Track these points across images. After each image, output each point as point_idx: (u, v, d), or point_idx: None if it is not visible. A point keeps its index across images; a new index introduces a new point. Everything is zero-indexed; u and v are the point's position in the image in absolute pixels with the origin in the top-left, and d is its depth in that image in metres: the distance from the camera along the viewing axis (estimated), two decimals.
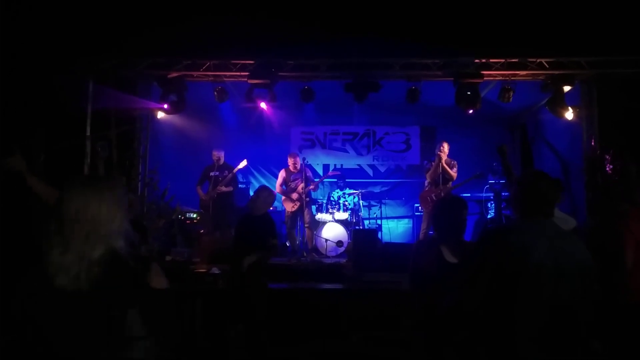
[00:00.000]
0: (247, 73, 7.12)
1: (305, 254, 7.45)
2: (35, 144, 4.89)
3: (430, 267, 2.72)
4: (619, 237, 3.16)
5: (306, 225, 7.67)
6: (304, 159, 7.75)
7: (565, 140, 7.77)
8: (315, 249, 7.70)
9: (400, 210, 9.66)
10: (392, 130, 9.92)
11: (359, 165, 10.03)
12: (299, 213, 7.68)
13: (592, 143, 7.04)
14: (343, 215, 8.07)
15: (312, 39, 7.12)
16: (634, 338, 3.06)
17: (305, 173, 7.57)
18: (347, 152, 10.03)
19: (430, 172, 7.09)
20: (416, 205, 8.83)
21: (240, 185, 8.50)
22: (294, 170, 7.69)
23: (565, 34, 6.80)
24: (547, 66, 7.03)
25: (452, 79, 7.06)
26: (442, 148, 6.99)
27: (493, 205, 8.13)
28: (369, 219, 8.64)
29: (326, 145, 10.02)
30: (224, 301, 4.79)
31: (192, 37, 7.11)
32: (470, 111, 7.35)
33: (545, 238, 2.05)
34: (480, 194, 8.15)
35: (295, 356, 5.05)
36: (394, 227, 9.41)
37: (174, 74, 7.24)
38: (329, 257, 7.53)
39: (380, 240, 7.60)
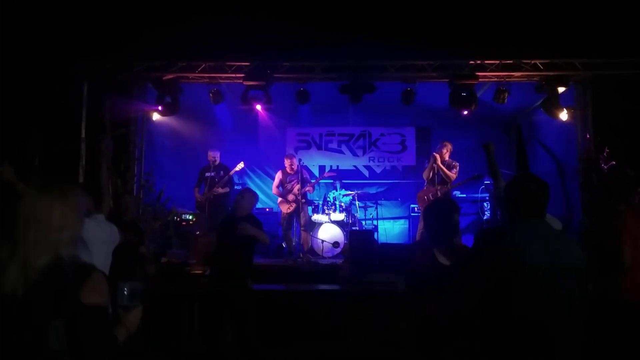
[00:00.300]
0: (242, 75, 7.12)
1: (301, 255, 7.45)
2: (31, 147, 4.88)
3: (426, 270, 2.72)
4: (616, 236, 3.21)
5: (302, 228, 7.67)
6: (299, 160, 7.76)
7: (560, 141, 7.81)
8: (312, 250, 7.70)
9: (396, 211, 9.67)
10: (387, 131, 9.93)
11: (354, 166, 10.04)
12: (295, 214, 7.68)
13: (587, 144, 7.08)
14: (339, 216, 8.08)
15: (307, 41, 7.13)
16: (632, 336, 3.08)
17: (302, 174, 7.57)
18: (342, 153, 10.03)
19: (425, 171, 7.13)
20: (412, 205, 8.85)
21: (236, 187, 8.49)
22: (291, 172, 7.69)
23: (559, 36, 6.84)
24: (542, 67, 7.07)
25: (447, 80, 7.09)
26: (440, 148, 7.02)
27: (489, 205, 8.15)
28: (365, 219, 8.64)
29: (322, 147, 10.02)
30: (211, 305, 4.77)
31: (188, 39, 7.10)
32: (465, 112, 7.38)
33: (539, 239, 2.07)
34: (476, 195, 8.17)
35: (291, 358, 5.05)
36: (390, 228, 9.42)
37: (170, 76, 7.23)
38: (325, 258, 7.53)
39: (376, 241, 7.60)
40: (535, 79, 7.26)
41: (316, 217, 8.12)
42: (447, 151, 7.05)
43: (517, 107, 8.55)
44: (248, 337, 4.49)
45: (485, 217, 8.32)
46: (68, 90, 6.83)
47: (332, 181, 8.87)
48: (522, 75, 7.18)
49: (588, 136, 7.17)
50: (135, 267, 4.48)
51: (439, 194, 6.90)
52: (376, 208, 8.72)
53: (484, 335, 2.06)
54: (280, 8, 6.88)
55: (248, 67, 7.16)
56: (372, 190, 9.65)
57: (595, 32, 6.69)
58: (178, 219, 7.46)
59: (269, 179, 9.51)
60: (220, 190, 7.51)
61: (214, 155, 7.69)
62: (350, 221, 8.18)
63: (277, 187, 7.76)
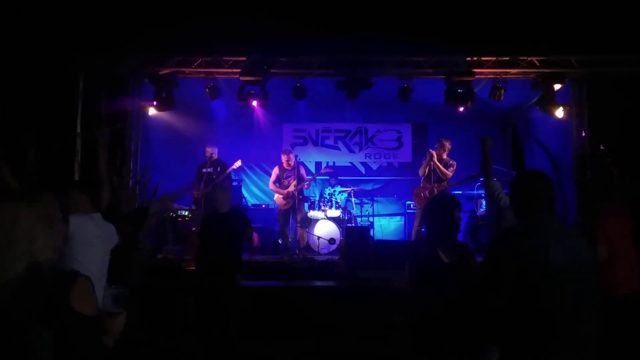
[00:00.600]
0: (239, 70, 7.10)
1: (297, 252, 7.45)
2: (26, 142, 4.86)
3: (430, 265, 2.72)
4: (592, 234, 3.36)
5: (298, 224, 7.67)
6: (296, 157, 7.74)
7: (555, 138, 7.83)
8: (308, 247, 7.70)
9: (392, 208, 9.69)
10: (384, 127, 9.93)
11: (351, 162, 10.04)
12: (291, 211, 7.67)
13: (582, 141, 7.11)
14: (335, 212, 8.08)
15: (304, 36, 7.12)
16: (611, 331, 3.13)
17: (298, 170, 7.56)
18: (339, 149, 10.03)
19: (421, 168, 7.15)
20: (408, 202, 8.86)
21: (233, 184, 8.47)
22: (288, 168, 7.68)
23: (556, 33, 6.86)
24: (538, 64, 7.07)
25: (444, 76, 7.09)
26: (438, 146, 7.03)
27: (484, 202, 8.17)
28: (361, 216, 8.65)
29: (318, 143, 10.01)
30: (200, 300, 4.82)
31: (184, 33, 7.07)
32: (462, 109, 7.39)
33: (555, 237, 2.06)
34: (472, 192, 8.19)
35: (287, 354, 5.06)
36: (386, 225, 9.44)
37: (166, 71, 7.19)
38: (321, 254, 7.54)
39: (372, 238, 7.62)
40: (531, 76, 7.26)
41: (312, 214, 8.12)
42: (446, 150, 7.06)
43: (513, 104, 8.56)
44: (231, 332, 4.53)
45: (479, 214, 8.34)
46: (63, 84, 6.78)
47: (328, 178, 8.87)
48: (518, 72, 7.18)
49: (584, 133, 7.19)
50: (131, 264, 4.46)
51: (435, 191, 6.92)
52: (372, 204, 8.73)
53: (508, 335, 2.04)
54: (278, 3, 6.87)
55: (245, 62, 7.13)
56: (368, 187, 9.65)
57: (592, 29, 6.72)
58: (174, 215, 7.45)
59: (265, 175, 9.50)
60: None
61: (212, 151, 7.66)
62: (346, 218, 8.19)
63: (274, 182, 7.74)
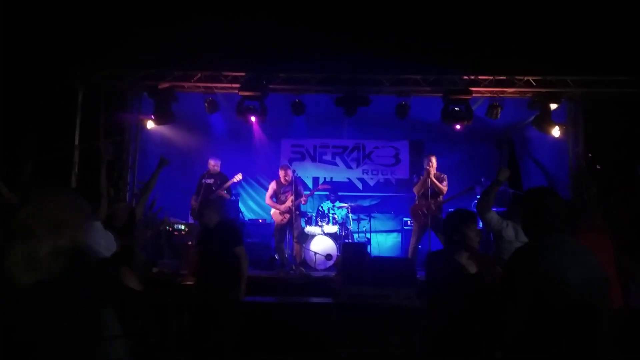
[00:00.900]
0: (238, 85, 7.14)
1: (294, 267, 7.40)
2: (23, 154, 4.85)
3: (447, 279, 2.74)
4: None
5: (295, 240, 7.64)
6: (294, 172, 7.75)
7: (551, 157, 7.88)
8: (304, 263, 7.66)
9: (389, 224, 9.68)
10: (381, 144, 9.97)
11: (348, 178, 10.05)
12: (288, 226, 7.65)
13: (578, 160, 7.16)
14: (332, 228, 8.06)
15: (303, 53, 7.19)
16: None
17: (296, 186, 7.56)
18: (336, 165, 10.04)
19: (417, 185, 7.12)
20: (405, 219, 8.85)
21: (231, 197, 8.45)
22: (285, 183, 7.67)
23: (552, 53, 6.95)
24: (535, 84, 7.16)
25: (441, 95, 7.16)
26: (430, 162, 7.04)
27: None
28: (358, 232, 8.63)
29: (316, 158, 10.03)
30: (196, 316, 4.81)
31: (184, 48, 7.12)
32: (458, 127, 7.44)
33: (570, 255, 2.04)
34: (469, 207, 8.20)
35: None
36: (383, 241, 9.41)
37: (165, 85, 7.23)
38: (317, 270, 7.50)
39: (369, 254, 7.59)
40: (527, 95, 7.35)
41: (309, 229, 8.10)
42: (433, 165, 7.04)
43: (509, 123, 8.63)
44: (225, 348, 4.50)
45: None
46: (62, 97, 6.80)
47: (327, 193, 8.86)
48: (515, 91, 7.27)
49: (579, 152, 7.25)
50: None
51: (432, 207, 6.92)
52: (369, 221, 8.72)
53: (528, 354, 2.02)
54: (277, 20, 6.93)
55: (244, 77, 7.18)
56: (366, 203, 9.65)
57: (587, 50, 6.81)
58: (170, 229, 7.41)
59: (262, 189, 9.50)
60: (224, 193, 7.51)
61: (215, 164, 7.66)
62: (343, 233, 8.17)
63: (271, 197, 7.72)
